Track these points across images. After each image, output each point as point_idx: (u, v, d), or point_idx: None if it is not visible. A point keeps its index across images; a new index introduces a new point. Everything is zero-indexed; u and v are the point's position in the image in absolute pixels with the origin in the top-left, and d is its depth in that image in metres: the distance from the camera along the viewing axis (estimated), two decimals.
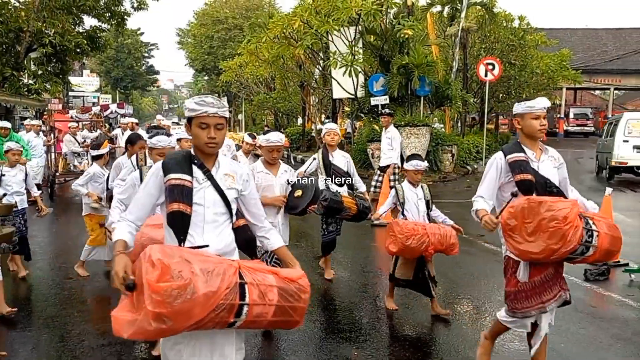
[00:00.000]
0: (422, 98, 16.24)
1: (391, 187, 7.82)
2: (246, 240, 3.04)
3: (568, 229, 3.02)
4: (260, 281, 2.54)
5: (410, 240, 4.60)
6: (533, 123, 3.42)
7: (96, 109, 22.54)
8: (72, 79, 30.05)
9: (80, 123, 18.11)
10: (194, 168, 2.72)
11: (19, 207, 6.41)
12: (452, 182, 15.38)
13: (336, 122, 20.42)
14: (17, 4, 17.65)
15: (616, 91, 48.47)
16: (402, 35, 15.01)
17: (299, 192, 4.75)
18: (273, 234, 2.97)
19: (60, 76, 19.41)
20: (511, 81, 21.65)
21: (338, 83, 16.56)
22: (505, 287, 3.48)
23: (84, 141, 14.50)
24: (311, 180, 4.95)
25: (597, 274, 5.90)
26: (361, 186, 6.08)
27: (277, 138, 4.57)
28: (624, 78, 40.85)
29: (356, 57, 15.20)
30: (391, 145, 9.35)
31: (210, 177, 2.74)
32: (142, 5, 19.05)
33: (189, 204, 2.66)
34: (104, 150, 6.90)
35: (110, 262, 6.30)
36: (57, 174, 12.93)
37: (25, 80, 18.88)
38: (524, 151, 3.45)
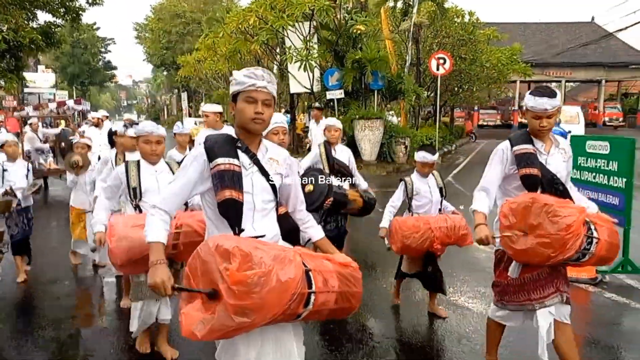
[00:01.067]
0: (375, 92, 16.77)
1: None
2: (289, 229, 2.74)
3: (569, 237, 2.85)
4: (321, 267, 2.37)
5: (410, 239, 4.31)
6: (533, 122, 3.19)
7: (52, 105, 22.24)
8: (27, 75, 29.51)
9: (38, 119, 17.51)
10: (239, 152, 2.50)
11: (22, 205, 5.99)
12: (405, 173, 15.98)
13: (294, 116, 20.83)
14: None
15: (569, 83, 50.33)
16: (355, 30, 15.50)
17: (310, 187, 4.48)
18: (313, 224, 2.78)
19: (15, 72, 19.19)
20: (462, 75, 22.42)
21: (294, 78, 16.95)
22: (495, 277, 3.36)
23: (46, 138, 13.99)
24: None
25: None
26: (362, 183, 5.50)
27: (279, 118, 3.88)
28: (574, 71, 42.40)
29: (311, 52, 15.61)
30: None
31: (256, 162, 2.53)
32: (97, 1, 18.96)
33: (240, 191, 2.45)
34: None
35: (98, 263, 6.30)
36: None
37: None
38: (532, 142, 3.24)
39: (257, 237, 2.45)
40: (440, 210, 4.66)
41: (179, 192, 2.49)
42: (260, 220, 2.52)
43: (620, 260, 5.53)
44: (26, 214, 6.09)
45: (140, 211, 3.81)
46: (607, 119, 40.64)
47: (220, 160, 2.43)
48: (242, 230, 2.45)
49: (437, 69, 18.47)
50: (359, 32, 15.50)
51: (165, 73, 56.00)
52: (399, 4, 21.00)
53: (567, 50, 41.19)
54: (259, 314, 2.12)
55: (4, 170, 5.92)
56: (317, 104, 11.04)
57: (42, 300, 5.45)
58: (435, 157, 4.67)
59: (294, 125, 20.81)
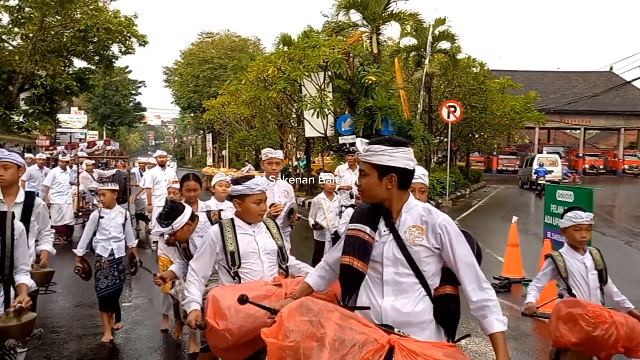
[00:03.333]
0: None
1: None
2: (442, 314, 2.37)
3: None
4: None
5: (598, 329, 3.31)
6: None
7: (83, 145, 23.50)
8: (60, 116, 31.16)
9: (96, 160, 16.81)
10: (381, 218, 2.41)
11: (116, 256, 5.59)
12: None
13: (309, 159, 21.75)
14: (11, 48, 18.94)
15: (590, 130, 50.63)
16: (366, 80, 16.46)
17: None
18: (490, 313, 2.26)
19: (50, 115, 20.62)
20: (474, 122, 23.23)
21: (309, 123, 17.90)
22: None
23: (100, 179, 13.11)
24: (469, 234, 3.69)
25: (500, 287, 7.09)
26: None
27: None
28: (593, 119, 42.86)
29: (325, 99, 16.58)
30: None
31: (392, 230, 2.38)
32: (130, 50, 20.41)
33: (361, 259, 2.36)
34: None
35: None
36: (79, 213, 12.00)
37: (16, 119, 20.03)
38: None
39: (360, 308, 2.34)
40: (602, 302, 3.65)
41: (336, 254, 2.58)
42: (391, 294, 2.33)
43: None
44: (118, 266, 5.63)
45: (240, 280, 3.23)
46: (626, 167, 40.79)
47: (351, 225, 2.44)
48: (349, 297, 2.39)
49: (448, 117, 19.30)
50: (370, 82, 16.43)
51: (192, 115, 57.87)
52: (412, 54, 22.01)
53: (585, 98, 41.69)
54: None
55: (100, 217, 5.60)
56: (352, 148, 11.50)
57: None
58: (590, 217, 3.79)
59: (309, 167, 21.69)
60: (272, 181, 5.68)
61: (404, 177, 2.35)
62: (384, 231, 2.37)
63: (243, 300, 2.50)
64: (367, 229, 2.37)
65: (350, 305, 2.37)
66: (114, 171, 14.17)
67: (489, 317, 2.25)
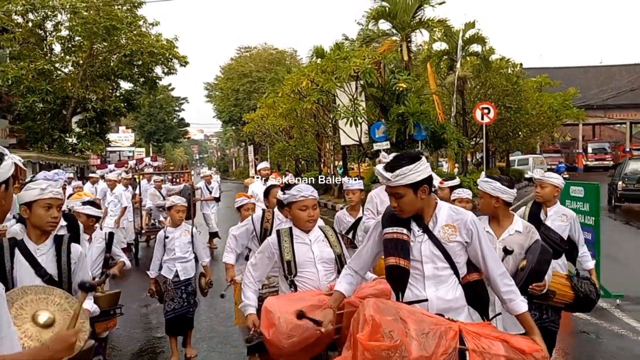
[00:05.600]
0: (420, 142, 17.98)
1: None
2: (475, 298, 2.66)
3: None
4: (484, 349, 2.32)
5: None
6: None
7: (132, 163, 24.72)
8: (110, 136, 32.74)
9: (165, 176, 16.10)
10: (412, 221, 2.65)
11: (181, 278, 5.36)
12: None
13: (346, 167, 22.30)
14: (64, 75, 20.27)
15: (638, 124, 49.25)
16: (397, 87, 16.93)
17: (523, 263, 3.44)
18: (514, 297, 2.61)
19: (101, 135, 21.90)
20: (509, 123, 23.32)
21: (344, 132, 18.46)
22: None
23: (169, 195, 13.01)
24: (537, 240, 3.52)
25: None
26: (588, 261, 4.67)
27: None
28: (638, 112, 41.76)
29: (358, 108, 17.12)
30: None
31: (426, 230, 2.64)
32: (172, 71, 21.51)
33: (405, 258, 2.59)
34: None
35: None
36: (143, 231, 11.61)
37: (70, 141, 21.35)
38: None
39: (418, 301, 2.56)
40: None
41: (363, 258, 2.85)
42: (432, 286, 2.60)
43: None
44: (186, 288, 5.39)
45: (296, 288, 3.30)
46: None
47: (387, 229, 2.66)
48: (402, 294, 2.59)
49: (482, 118, 19.53)
50: (401, 89, 16.89)
51: (233, 128, 59.24)
52: (445, 58, 22.31)
53: (629, 92, 40.71)
54: None
55: (165, 237, 5.44)
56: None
57: None
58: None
59: (347, 174, 22.24)
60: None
61: (431, 183, 2.64)
62: (418, 232, 2.62)
63: (300, 315, 2.67)
64: (405, 230, 2.61)
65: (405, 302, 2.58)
66: (182, 186, 13.89)
67: (516, 300, 2.58)
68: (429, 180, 2.60)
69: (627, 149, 40.62)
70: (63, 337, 1.96)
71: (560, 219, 4.43)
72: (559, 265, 4.48)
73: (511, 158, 31.94)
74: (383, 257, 2.70)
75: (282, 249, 3.33)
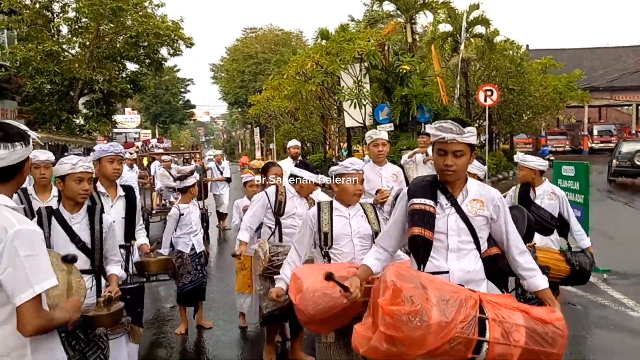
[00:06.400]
0: (423, 124, 18.16)
1: None
2: (494, 271, 2.72)
3: None
4: (504, 318, 2.37)
5: None
6: None
7: (138, 144, 25.03)
8: (116, 117, 33.02)
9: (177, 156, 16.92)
10: (439, 194, 2.66)
11: (197, 251, 5.72)
12: None
13: (350, 148, 22.51)
14: (71, 56, 20.47)
15: None
16: (401, 70, 17.08)
17: None
18: (534, 273, 2.67)
19: (107, 116, 22.15)
20: (512, 105, 23.42)
21: (348, 114, 18.66)
22: None
23: (180, 175, 13.03)
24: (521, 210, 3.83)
25: None
26: (584, 238, 4.84)
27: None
28: None
29: (362, 90, 17.29)
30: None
31: (454, 204, 2.65)
32: (177, 52, 21.65)
33: (430, 230, 2.60)
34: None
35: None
36: (153, 212, 11.56)
37: (78, 122, 21.61)
38: None
39: (440, 272, 2.59)
40: None
41: (390, 234, 2.85)
42: (455, 259, 2.63)
43: None
44: (199, 259, 5.74)
45: (330, 260, 3.43)
46: None
47: (415, 200, 2.66)
48: (423, 265, 2.61)
49: (485, 100, 19.65)
50: (404, 71, 17.04)
51: (239, 110, 59.42)
52: (449, 40, 22.36)
53: (636, 73, 40.43)
54: (407, 346, 2.28)
55: (181, 214, 5.72)
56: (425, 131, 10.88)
57: None
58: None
59: (351, 156, 22.45)
60: (379, 166, 5.35)
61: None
62: (446, 205, 2.63)
63: (328, 277, 2.70)
64: (432, 202, 2.62)
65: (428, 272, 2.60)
66: (192, 166, 13.60)
67: (537, 277, 2.65)
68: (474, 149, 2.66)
69: (633, 131, 40.51)
70: (72, 302, 2.41)
71: (549, 197, 4.64)
72: (552, 242, 4.71)
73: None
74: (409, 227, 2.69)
75: (321, 220, 3.43)
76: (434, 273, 2.57)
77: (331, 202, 3.52)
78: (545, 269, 3.75)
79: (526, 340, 2.34)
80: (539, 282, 2.64)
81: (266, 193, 4.75)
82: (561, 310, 2.57)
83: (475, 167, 4.03)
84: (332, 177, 3.58)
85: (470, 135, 2.58)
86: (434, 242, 2.62)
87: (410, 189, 2.74)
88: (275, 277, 3.62)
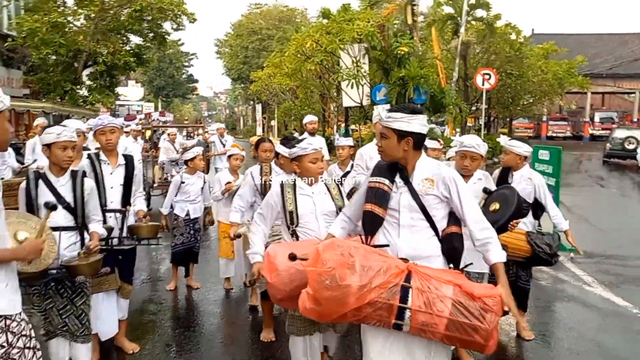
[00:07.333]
0: (419, 105, 18.48)
1: None
2: (448, 249, 2.80)
3: None
4: (430, 289, 2.49)
5: None
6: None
7: (140, 117, 25.24)
8: (119, 89, 33.28)
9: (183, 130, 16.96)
10: (397, 174, 2.82)
11: (191, 216, 6.23)
12: None
13: (348, 128, 22.84)
14: (76, 28, 20.73)
15: None
16: (399, 51, 17.35)
17: (495, 206, 3.96)
18: (490, 247, 2.73)
19: (111, 89, 22.47)
20: (509, 89, 23.70)
21: (346, 93, 18.97)
22: None
23: (184, 149, 12.41)
24: (511, 189, 4.14)
25: None
26: (561, 221, 4.99)
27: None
28: None
29: (360, 70, 17.59)
30: None
31: (407, 182, 2.79)
32: (180, 27, 21.91)
33: (381, 207, 2.77)
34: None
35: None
36: (155, 185, 11.83)
37: (81, 93, 21.94)
38: None
39: (381, 245, 2.75)
40: None
41: (354, 205, 3.05)
42: (406, 235, 2.76)
43: None
44: (193, 225, 6.25)
45: (298, 238, 3.54)
46: None
47: (372, 178, 2.86)
48: (370, 238, 2.80)
49: (483, 84, 19.95)
50: (403, 52, 17.31)
51: (242, 86, 59.54)
52: (449, 23, 22.55)
53: (638, 60, 40.31)
54: (324, 307, 2.54)
55: (182, 182, 6.24)
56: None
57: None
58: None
59: (348, 135, 22.82)
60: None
61: (419, 140, 2.79)
62: (400, 183, 2.78)
63: (292, 257, 2.88)
64: (386, 181, 2.78)
65: (373, 244, 2.78)
66: (195, 140, 13.95)
67: (490, 251, 2.71)
68: (417, 135, 2.75)
69: (635, 119, 40.59)
70: (33, 243, 2.75)
71: (525, 182, 4.79)
72: (524, 224, 4.83)
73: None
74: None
75: (285, 200, 3.52)
76: (376, 246, 2.74)
77: (294, 182, 3.62)
78: (503, 248, 4.17)
79: (451, 310, 2.44)
80: (491, 256, 2.71)
81: (251, 174, 4.91)
82: None
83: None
84: (292, 159, 3.71)
85: (391, 121, 2.75)
86: (387, 217, 2.79)
87: (374, 167, 2.93)
88: (247, 252, 3.78)
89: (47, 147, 3.63)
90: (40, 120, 9.79)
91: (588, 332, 5.16)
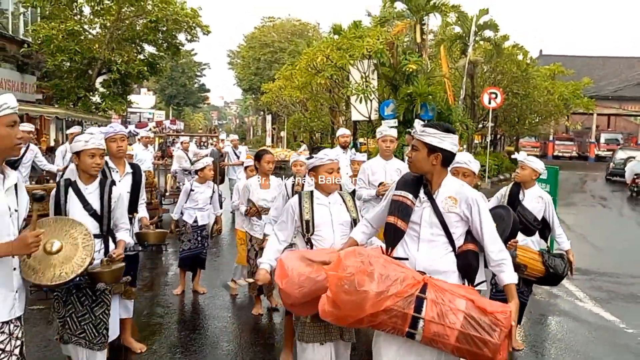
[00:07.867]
0: (425, 122, 18.74)
1: None
2: (464, 266, 2.89)
3: None
4: (444, 302, 2.57)
5: None
6: None
7: (151, 124, 25.60)
8: (131, 97, 33.74)
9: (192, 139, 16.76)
10: (422, 189, 2.91)
11: (199, 223, 6.40)
12: None
13: (356, 141, 23.11)
14: (92, 37, 21.16)
15: None
16: (407, 69, 17.68)
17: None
18: (505, 269, 2.83)
19: (123, 96, 22.86)
20: (515, 109, 23.99)
21: (355, 108, 19.30)
22: None
23: (197, 158, 12.23)
24: (507, 208, 4.33)
25: None
26: (564, 242, 5.06)
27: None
28: None
29: (369, 85, 17.92)
30: None
31: (430, 198, 2.88)
32: (194, 38, 22.31)
33: (404, 220, 2.87)
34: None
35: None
36: (167, 194, 11.94)
37: (94, 100, 22.31)
38: None
39: (400, 258, 2.85)
40: None
41: (376, 215, 3.22)
42: (425, 249, 2.86)
43: None
44: (201, 232, 6.43)
45: (312, 246, 3.62)
46: None
47: (396, 192, 2.97)
48: (391, 250, 2.91)
49: (489, 103, 20.25)
50: (411, 69, 17.63)
51: (252, 96, 60.02)
52: (457, 42, 22.86)
53: None
54: (342, 310, 2.65)
55: (191, 190, 6.44)
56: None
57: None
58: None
59: (356, 148, 23.10)
60: (385, 160, 5.73)
61: (447, 158, 2.89)
62: (423, 198, 2.87)
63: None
64: (410, 196, 2.88)
65: (392, 256, 2.89)
66: (209, 150, 13.91)
67: (505, 272, 2.81)
68: (446, 153, 2.86)
69: None
70: (22, 237, 2.62)
71: (536, 200, 4.82)
72: (532, 242, 4.94)
73: None
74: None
75: (302, 209, 3.61)
76: (396, 258, 2.85)
77: (312, 192, 3.73)
78: (522, 267, 4.30)
79: (462, 323, 2.53)
80: (505, 277, 2.80)
81: (285, 186, 5.07)
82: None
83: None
84: (308, 170, 3.84)
85: (424, 135, 2.86)
86: (408, 230, 2.88)
87: (399, 181, 3.02)
88: (258, 260, 3.90)
89: (76, 155, 3.74)
90: (74, 129, 10.14)
91: (576, 344, 5.39)
